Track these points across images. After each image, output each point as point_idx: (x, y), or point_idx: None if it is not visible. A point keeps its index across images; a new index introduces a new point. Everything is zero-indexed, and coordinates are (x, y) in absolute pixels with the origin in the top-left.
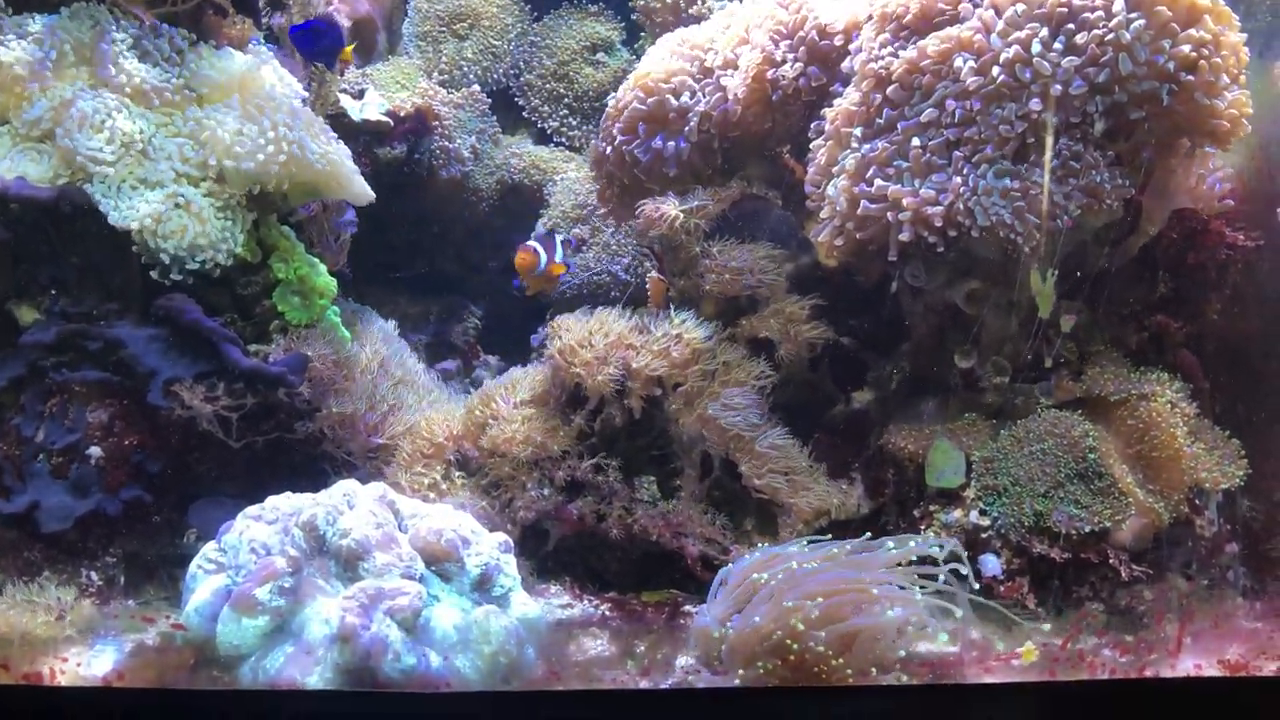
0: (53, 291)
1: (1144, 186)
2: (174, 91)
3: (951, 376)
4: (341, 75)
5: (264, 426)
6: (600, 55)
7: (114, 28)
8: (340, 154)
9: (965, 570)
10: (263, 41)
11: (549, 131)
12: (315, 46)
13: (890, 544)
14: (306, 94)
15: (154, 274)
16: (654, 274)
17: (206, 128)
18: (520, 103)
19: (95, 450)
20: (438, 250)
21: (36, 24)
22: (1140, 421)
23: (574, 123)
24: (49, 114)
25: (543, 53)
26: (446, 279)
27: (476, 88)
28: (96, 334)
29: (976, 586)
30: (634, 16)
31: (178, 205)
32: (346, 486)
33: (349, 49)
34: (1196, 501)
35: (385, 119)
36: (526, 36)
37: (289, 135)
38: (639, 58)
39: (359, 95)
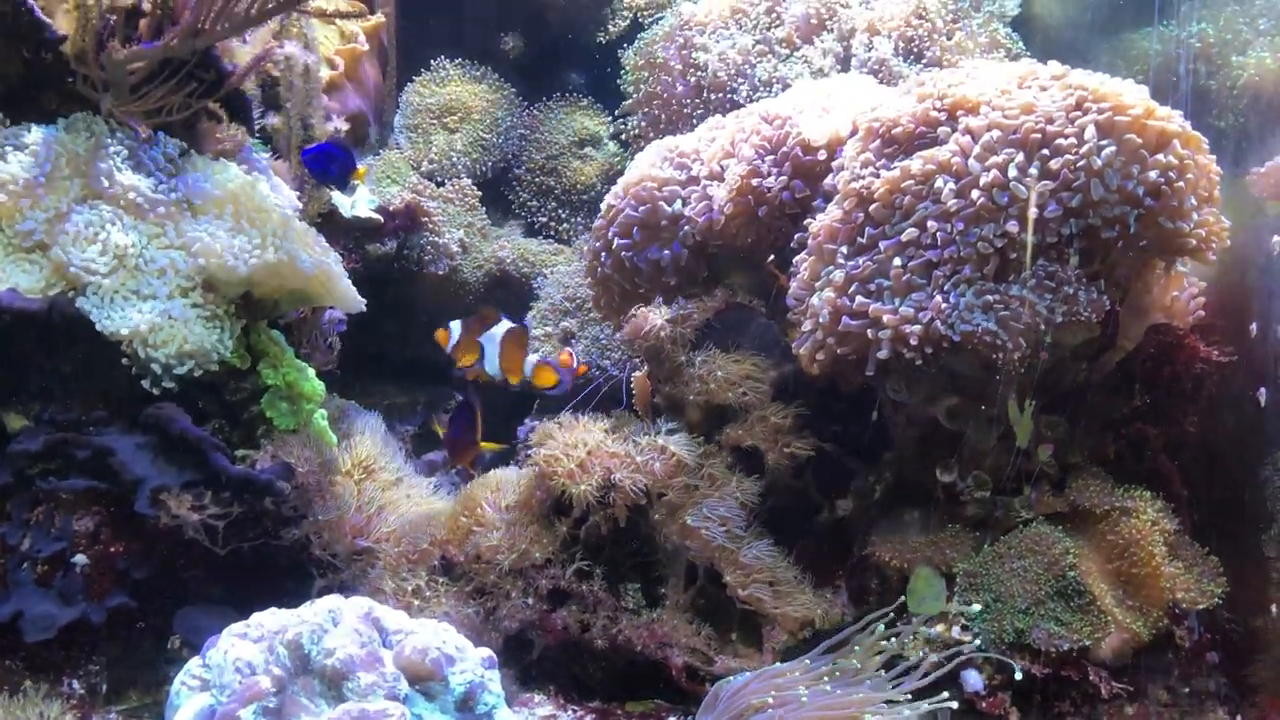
0: (41, 398)
1: (1120, 303)
2: (167, 202)
3: (935, 487)
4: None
5: (250, 534)
6: (588, 149)
7: (109, 139)
8: (331, 263)
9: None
10: (256, 146)
11: (537, 226)
12: (327, 169)
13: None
14: (300, 202)
15: (145, 383)
16: (640, 373)
17: (199, 240)
18: (510, 197)
19: (81, 558)
20: (425, 340)
21: (33, 135)
22: (1120, 538)
23: (563, 215)
24: (43, 226)
25: (532, 146)
26: (434, 369)
27: (466, 181)
28: (84, 442)
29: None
30: (624, 125)
31: (169, 316)
32: (331, 603)
33: (362, 170)
34: (1177, 611)
35: (376, 215)
36: (516, 130)
37: (281, 246)
38: (626, 150)
39: (350, 191)
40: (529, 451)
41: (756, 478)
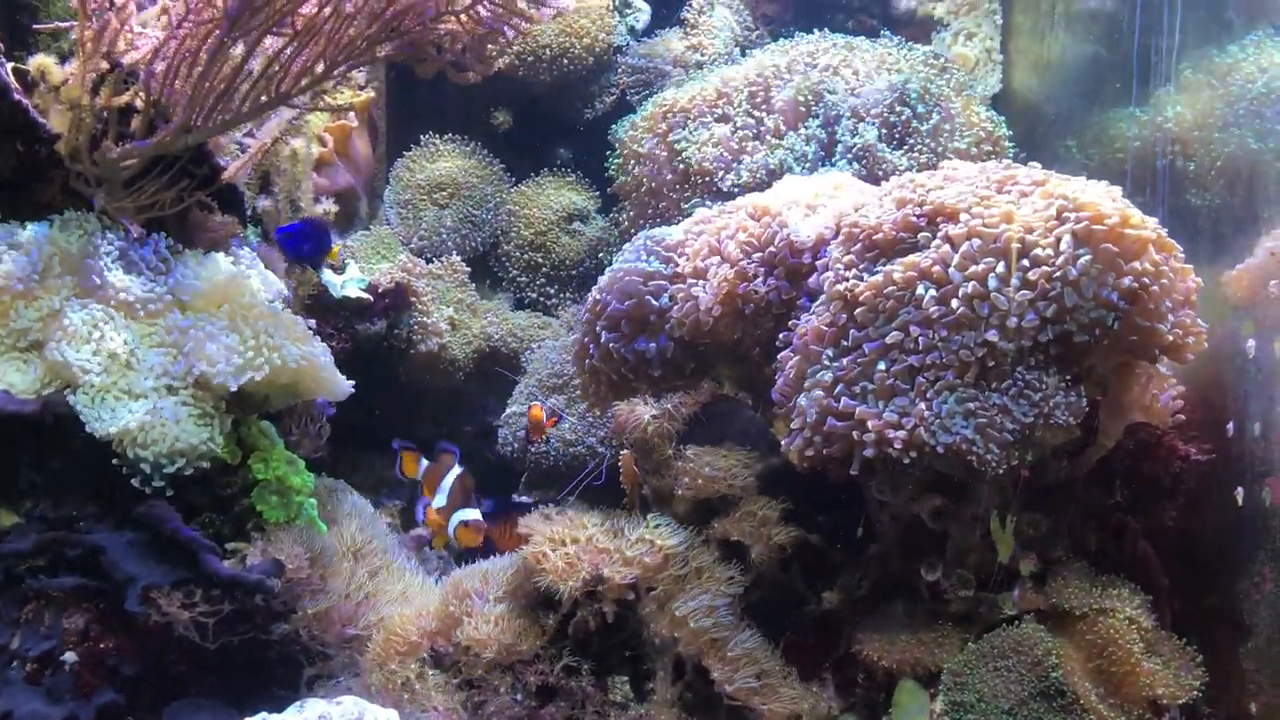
0: (32, 495)
1: (1100, 403)
2: (159, 301)
3: (920, 583)
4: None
5: (240, 629)
6: (576, 224)
7: (101, 237)
8: (319, 355)
9: None
10: (246, 234)
11: (526, 301)
12: (300, 248)
13: None
14: (289, 291)
15: (135, 482)
16: (627, 452)
17: (190, 338)
18: (499, 272)
19: (70, 656)
20: (414, 415)
21: (26, 233)
22: (1099, 637)
23: (551, 291)
24: (37, 325)
25: (520, 222)
26: (422, 443)
27: (456, 257)
28: (75, 541)
29: None
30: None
31: (160, 415)
32: (321, 708)
33: (336, 248)
34: (1159, 704)
35: (365, 295)
36: (505, 206)
37: (270, 342)
38: (615, 227)
39: (340, 269)
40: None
41: (744, 570)
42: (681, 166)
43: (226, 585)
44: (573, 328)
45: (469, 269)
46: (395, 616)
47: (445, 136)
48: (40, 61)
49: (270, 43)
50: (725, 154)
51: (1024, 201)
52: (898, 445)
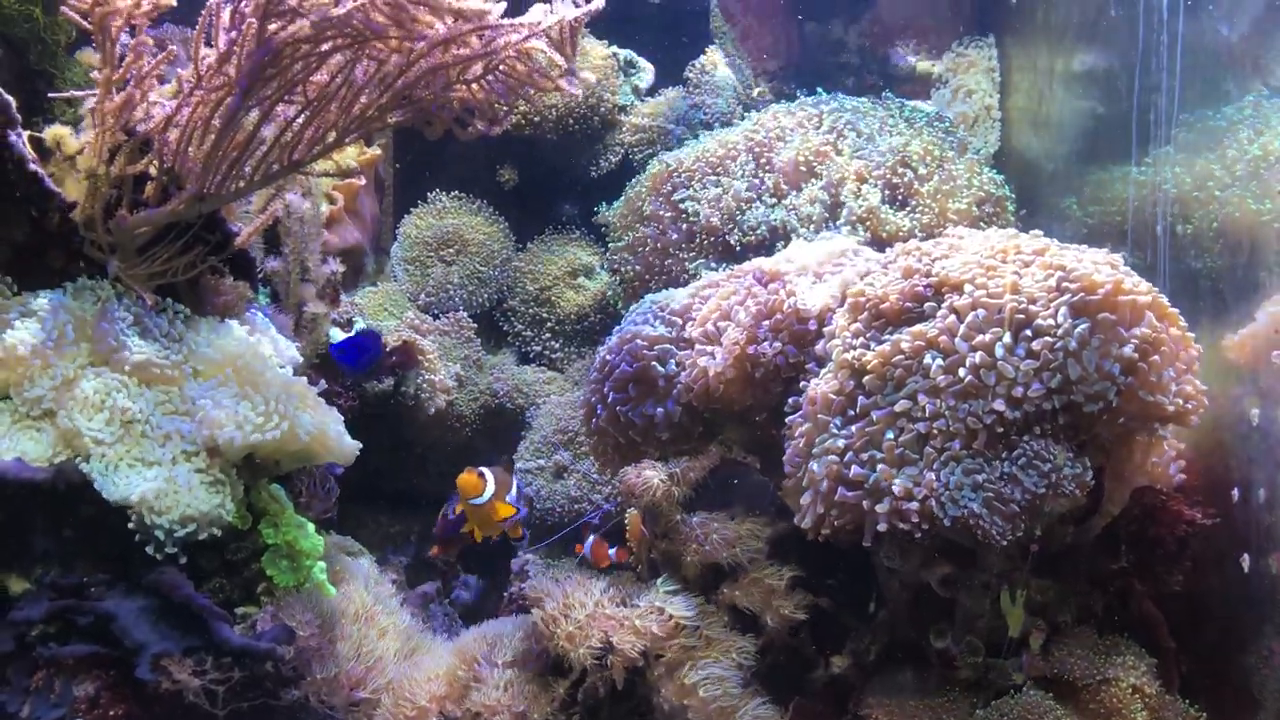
0: (44, 562)
1: (1104, 468)
2: (172, 369)
3: (929, 649)
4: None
5: (250, 695)
6: (581, 279)
7: (116, 305)
8: (330, 423)
9: None
10: (257, 298)
11: (530, 355)
12: (358, 361)
13: None
14: (300, 356)
15: (148, 549)
16: (634, 511)
17: (203, 406)
18: (504, 327)
19: None
20: (419, 471)
21: (41, 301)
22: (1103, 706)
23: (556, 345)
24: (50, 393)
25: (526, 278)
26: (428, 498)
27: (463, 313)
28: (86, 609)
29: None
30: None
31: (173, 482)
32: None
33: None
34: None
35: None
36: (511, 262)
37: (283, 410)
38: (620, 281)
39: (347, 325)
40: (522, 587)
41: (753, 636)
42: (686, 226)
43: (237, 654)
44: (579, 383)
45: (475, 324)
46: (404, 681)
47: (451, 194)
48: (56, 132)
49: (282, 110)
50: (729, 213)
51: (1026, 271)
52: (913, 518)
